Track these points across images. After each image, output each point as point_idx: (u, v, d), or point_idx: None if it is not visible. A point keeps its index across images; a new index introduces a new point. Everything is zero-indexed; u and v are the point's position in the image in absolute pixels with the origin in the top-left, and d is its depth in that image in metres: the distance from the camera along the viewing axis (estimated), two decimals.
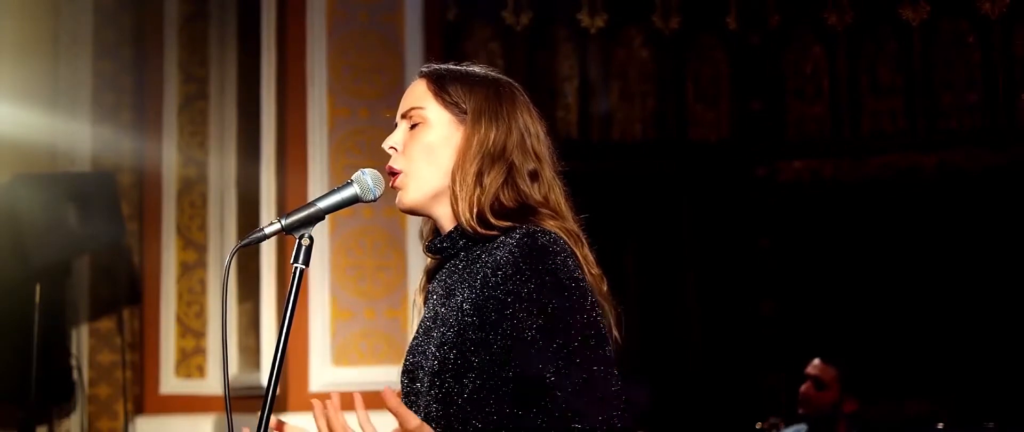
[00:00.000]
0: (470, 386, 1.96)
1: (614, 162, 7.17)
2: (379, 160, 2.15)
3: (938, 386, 6.68)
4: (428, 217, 2.15)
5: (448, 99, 2.09)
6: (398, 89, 5.93)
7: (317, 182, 5.87)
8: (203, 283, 6.63)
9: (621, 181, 7.13)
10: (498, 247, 2.00)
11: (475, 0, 7.14)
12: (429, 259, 2.18)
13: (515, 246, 1.97)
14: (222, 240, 6.61)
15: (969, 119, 6.99)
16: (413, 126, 2.10)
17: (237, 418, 2.02)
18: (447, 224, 2.10)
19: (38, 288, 5.58)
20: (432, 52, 6.00)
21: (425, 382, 2.00)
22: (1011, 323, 6.64)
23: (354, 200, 2.04)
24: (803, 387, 5.06)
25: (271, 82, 6.13)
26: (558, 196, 2.10)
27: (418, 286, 2.20)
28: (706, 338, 7.18)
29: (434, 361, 2.00)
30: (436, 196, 2.09)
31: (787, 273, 7.15)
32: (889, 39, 7.16)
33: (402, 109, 2.13)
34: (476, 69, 2.17)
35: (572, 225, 2.07)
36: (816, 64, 7.29)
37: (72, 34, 6.50)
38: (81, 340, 6.45)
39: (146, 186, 6.63)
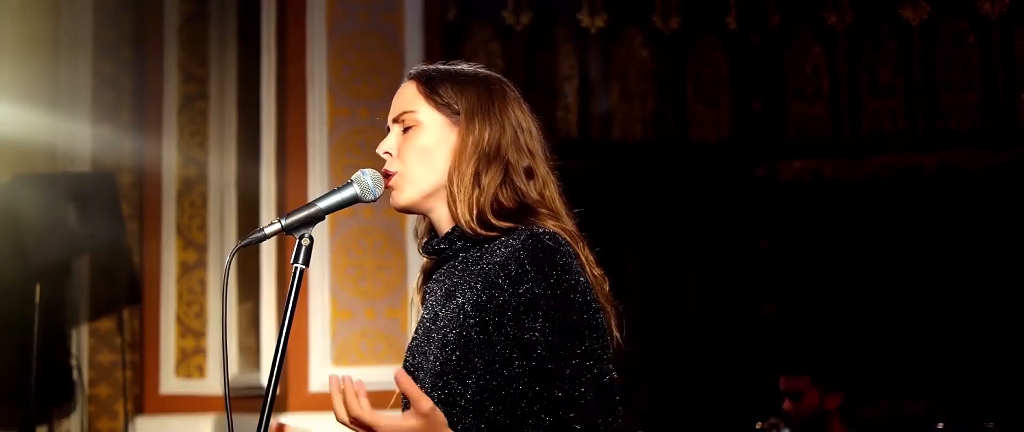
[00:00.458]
0: (473, 387, 1.96)
1: (614, 162, 7.17)
2: (379, 160, 2.14)
3: (937, 386, 6.68)
4: (423, 216, 2.15)
5: (440, 101, 2.09)
6: (398, 89, 5.92)
7: (317, 182, 5.87)
8: (203, 283, 6.63)
9: (621, 181, 7.12)
10: (499, 248, 2.00)
11: (475, 0, 7.14)
12: (425, 259, 2.18)
13: (520, 248, 1.96)
14: (222, 240, 6.61)
15: (969, 119, 6.99)
16: (406, 129, 2.10)
17: (237, 418, 2.02)
18: (444, 224, 2.10)
19: (38, 288, 5.58)
20: (432, 52, 6.00)
21: (427, 383, 2.00)
22: (1011, 323, 6.64)
23: (354, 200, 2.04)
24: (784, 405, 5.06)
25: (271, 82, 6.14)
26: (553, 192, 2.10)
27: (416, 286, 2.20)
28: (706, 338, 7.18)
29: (436, 362, 2.00)
30: (431, 195, 2.08)
31: (787, 273, 7.15)
32: (889, 39, 7.16)
33: (393, 113, 2.13)
34: (465, 67, 2.16)
35: (570, 225, 2.07)
36: (816, 64, 7.29)
37: (72, 34, 6.50)
38: (81, 340, 6.45)
39: (146, 186, 6.63)
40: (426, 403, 1.85)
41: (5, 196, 5.65)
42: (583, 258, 2.02)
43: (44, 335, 5.63)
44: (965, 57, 7.02)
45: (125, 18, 6.68)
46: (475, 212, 2.03)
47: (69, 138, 6.38)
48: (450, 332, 1.99)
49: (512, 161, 2.07)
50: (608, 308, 2.03)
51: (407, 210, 2.12)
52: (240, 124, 6.62)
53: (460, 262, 2.08)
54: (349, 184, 2.04)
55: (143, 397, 6.59)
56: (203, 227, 6.65)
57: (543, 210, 2.05)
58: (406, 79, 2.16)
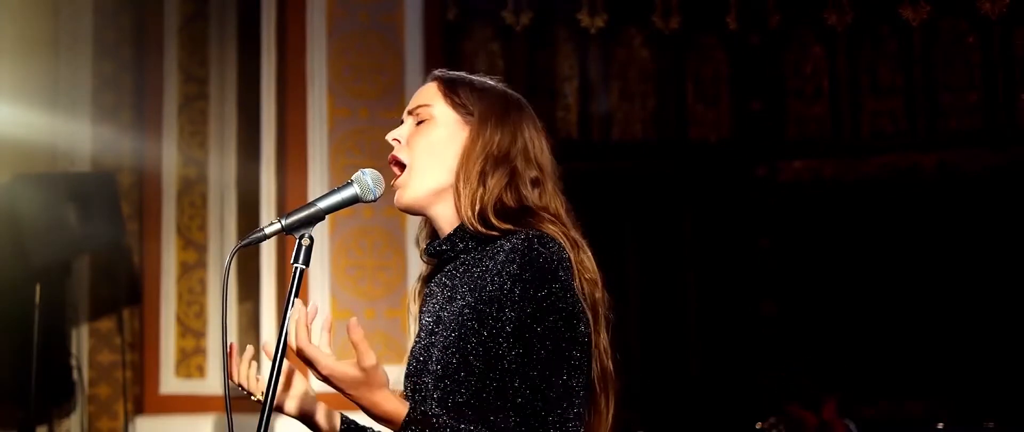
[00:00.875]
0: (472, 389, 1.96)
1: (614, 162, 7.17)
2: (379, 160, 2.15)
3: (937, 386, 6.68)
4: (426, 218, 2.16)
5: (457, 100, 2.11)
6: (398, 89, 5.93)
7: (317, 182, 5.87)
8: (203, 283, 6.62)
9: (621, 181, 7.12)
10: (498, 251, 2.01)
11: (475, 0, 7.14)
12: (425, 265, 2.19)
13: (512, 250, 1.97)
14: (222, 240, 6.61)
15: (969, 119, 6.99)
16: (419, 123, 2.11)
17: (237, 418, 2.02)
18: (446, 226, 2.10)
19: (38, 288, 5.58)
20: (432, 52, 6.00)
21: (429, 384, 2.01)
22: (1011, 323, 6.64)
23: (354, 200, 2.04)
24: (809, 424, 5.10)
25: (271, 82, 6.14)
26: (558, 206, 2.11)
27: (412, 291, 2.21)
28: (706, 338, 7.18)
29: (437, 365, 2.00)
30: (437, 194, 2.09)
31: (787, 273, 7.15)
32: (889, 39, 7.16)
33: (410, 106, 2.15)
34: (488, 80, 2.19)
35: (570, 230, 2.07)
36: (816, 64, 7.28)
37: (72, 34, 6.50)
38: (81, 340, 6.45)
39: (146, 186, 6.63)
40: (369, 359, 1.87)
41: (5, 196, 5.65)
42: (576, 262, 2.02)
43: (44, 335, 5.62)
44: (965, 57, 7.01)
45: (125, 18, 6.68)
46: (477, 209, 2.04)
47: (69, 138, 6.38)
48: (451, 334, 2.00)
49: (519, 169, 2.08)
50: (593, 317, 2.02)
51: (410, 208, 2.13)
52: (240, 124, 6.62)
53: (461, 264, 2.08)
54: (349, 184, 2.05)
55: (143, 397, 6.59)
56: (203, 227, 6.65)
57: (545, 214, 2.06)
58: (429, 78, 2.18)
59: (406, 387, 2.10)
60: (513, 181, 2.07)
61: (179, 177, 6.65)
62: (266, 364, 2.02)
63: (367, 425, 2.17)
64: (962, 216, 6.86)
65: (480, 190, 2.05)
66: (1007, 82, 6.93)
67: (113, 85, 6.60)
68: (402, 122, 2.17)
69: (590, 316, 2.01)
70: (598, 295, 2.04)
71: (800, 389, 5.72)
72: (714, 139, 7.35)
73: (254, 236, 2.00)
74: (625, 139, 7.30)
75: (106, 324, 6.53)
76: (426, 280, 2.18)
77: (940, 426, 5.82)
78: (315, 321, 1.89)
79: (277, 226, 1.99)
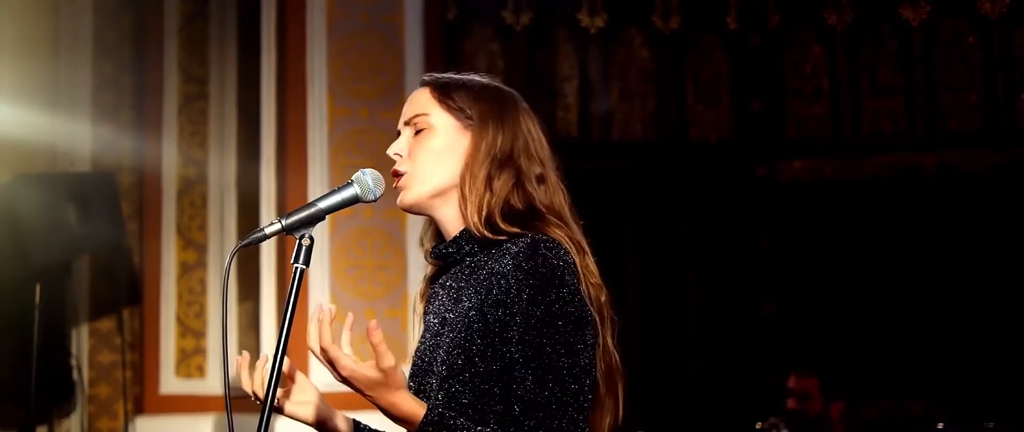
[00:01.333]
0: (476, 391, 1.96)
1: (614, 162, 7.16)
2: (379, 160, 2.15)
3: (937, 386, 6.68)
4: (430, 218, 2.15)
5: (453, 105, 2.10)
6: (398, 89, 5.93)
7: (317, 182, 5.87)
8: (203, 283, 6.62)
9: (621, 181, 7.12)
10: (503, 254, 2.01)
11: (475, 0, 7.13)
12: (429, 265, 2.19)
13: (517, 254, 1.98)
14: (222, 240, 6.61)
15: (969, 119, 6.99)
16: (418, 132, 2.10)
17: (237, 418, 2.02)
18: (451, 228, 2.10)
19: (38, 288, 5.58)
20: (432, 52, 6.00)
21: (433, 385, 2.01)
22: (1011, 323, 6.64)
23: (354, 200, 2.04)
24: (789, 403, 5.09)
25: (271, 82, 6.14)
26: (562, 201, 2.11)
27: (418, 292, 2.21)
28: (706, 338, 7.18)
29: (442, 366, 2.01)
30: (439, 195, 2.09)
31: (787, 273, 7.15)
32: (889, 39, 7.16)
33: (405, 116, 2.13)
34: (477, 77, 2.18)
35: (576, 234, 2.07)
36: (816, 64, 7.29)
37: (72, 34, 6.50)
38: (81, 340, 6.45)
39: (146, 186, 6.62)
40: (388, 360, 1.86)
41: (5, 196, 5.65)
42: (582, 268, 2.02)
43: (44, 335, 5.62)
44: (965, 57, 7.01)
45: (125, 18, 6.68)
46: (484, 214, 2.03)
47: (69, 138, 6.38)
48: (457, 336, 2.00)
49: (523, 167, 2.08)
50: (600, 320, 2.03)
51: (413, 209, 2.12)
52: (240, 124, 6.62)
53: (467, 266, 2.08)
54: (349, 184, 2.04)
55: (143, 397, 6.59)
56: (203, 227, 6.65)
57: (551, 216, 2.06)
58: (420, 85, 2.16)
59: (410, 388, 2.09)
60: (519, 181, 2.07)
61: (179, 177, 6.65)
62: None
63: (379, 429, 2.18)
64: (962, 216, 6.86)
65: (487, 195, 2.05)
66: (1007, 82, 6.93)
67: (113, 85, 6.60)
68: (401, 130, 2.16)
69: (597, 319, 2.02)
70: (603, 299, 2.05)
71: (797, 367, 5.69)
72: (714, 139, 7.35)
73: (254, 236, 1.99)
74: (625, 139, 7.30)
75: (106, 324, 6.53)
76: (431, 281, 2.18)
77: (940, 426, 5.82)
78: (325, 318, 1.89)
79: (277, 226, 1.99)
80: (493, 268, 2.01)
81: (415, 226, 2.14)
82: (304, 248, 1.98)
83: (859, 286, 6.99)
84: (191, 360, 6.61)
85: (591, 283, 2.03)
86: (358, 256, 5.90)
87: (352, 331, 1.93)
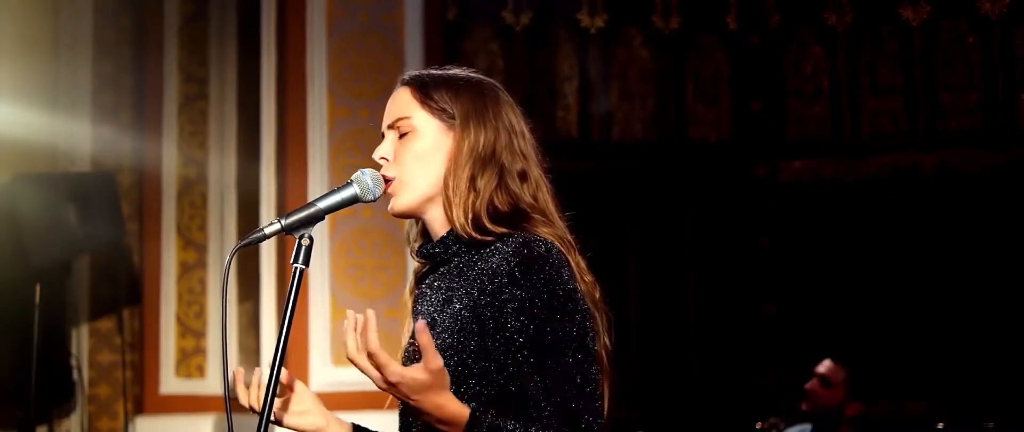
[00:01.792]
0: (471, 392, 1.96)
1: (614, 162, 7.16)
2: (377, 163, 2.15)
3: (938, 386, 6.68)
4: (416, 219, 2.16)
5: (434, 106, 2.09)
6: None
7: (317, 182, 5.87)
8: (203, 283, 6.62)
9: (621, 181, 7.12)
10: (493, 254, 2.01)
11: (475, 0, 7.13)
12: (417, 263, 2.19)
13: (511, 255, 1.98)
14: (222, 240, 6.61)
15: (969, 119, 6.99)
16: (402, 135, 2.10)
17: (237, 418, 2.02)
18: (438, 228, 2.10)
19: (38, 288, 5.58)
20: (432, 52, 6.00)
21: None
22: (1011, 323, 6.64)
23: (354, 200, 2.04)
24: (809, 384, 5.11)
25: (271, 82, 6.13)
26: (546, 195, 2.11)
27: (408, 289, 2.21)
28: (706, 338, 7.18)
29: None
30: (428, 200, 2.09)
31: (787, 273, 7.15)
32: (889, 39, 7.16)
33: (388, 120, 2.13)
34: (457, 71, 2.17)
35: (562, 230, 2.07)
36: (816, 64, 7.28)
37: (72, 34, 6.50)
38: (81, 340, 6.45)
39: (146, 186, 6.62)
40: (437, 361, 1.84)
41: (5, 196, 5.65)
42: (574, 265, 2.02)
43: (44, 335, 5.62)
44: (965, 57, 7.01)
45: (125, 18, 6.67)
46: (471, 216, 2.03)
47: (69, 138, 6.38)
48: (449, 338, 2.00)
49: (507, 164, 2.08)
50: (598, 314, 2.03)
51: (404, 215, 2.13)
52: (240, 124, 6.62)
53: (455, 266, 2.08)
54: (349, 184, 2.04)
55: (143, 397, 6.59)
56: (203, 227, 6.65)
57: (537, 215, 2.06)
58: (399, 85, 2.16)
59: None
60: (503, 180, 2.07)
61: (179, 177, 6.65)
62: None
63: (377, 431, 2.17)
64: (962, 216, 6.86)
65: (471, 196, 2.04)
66: (1007, 82, 6.93)
67: (113, 85, 6.60)
68: (384, 133, 2.15)
69: (595, 314, 2.02)
70: (597, 295, 2.05)
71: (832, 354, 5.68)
72: (714, 139, 7.35)
73: (254, 236, 2.00)
74: (625, 139, 7.30)
75: (106, 324, 6.53)
76: (419, 279, 2.18)
77: (940, 426, 5.82)
78: (370, 323, 1.86)
79: (277, 226, 1.99)
80: (483, 267, 2.01)
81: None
82: (304, 248, 1.98)
83: (859, 286, 6.99)
84: (191, 360, 6.61)
85: (585, 280, 2.03)
86: (358, 256, 5.90)
87: (357, 331, 1.90)
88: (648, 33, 7.34)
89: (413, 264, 2.21)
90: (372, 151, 2.13)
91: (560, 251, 2.00)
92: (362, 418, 2.21)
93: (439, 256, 2.10)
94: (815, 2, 7.27)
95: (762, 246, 7.23)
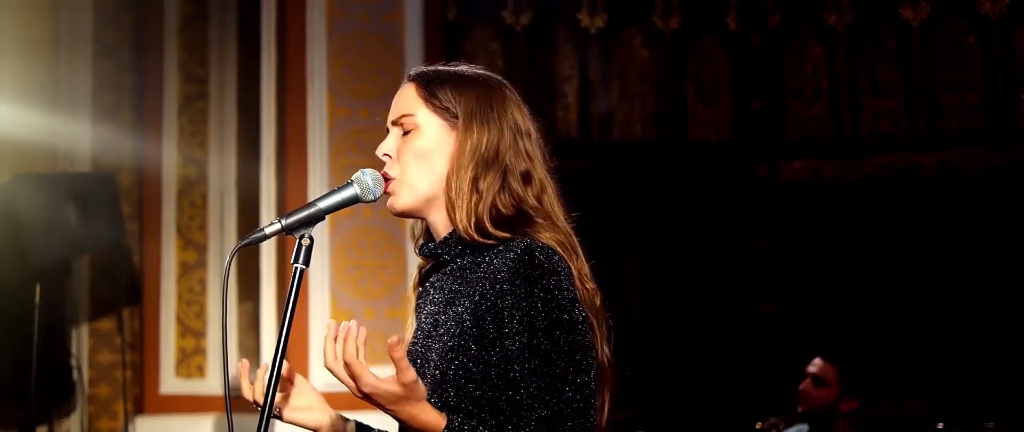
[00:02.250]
0: (470, 396, 1.96)
1: (614, 162, 7.16)
2: (379, 161, 2.14)
3: (938, 386, 6.68)
4: (421, 219, 2.15)
5: (438, 104, 2.08)
6: (398, 89, 5.92)
7: (317, 182, 5.87)
8: (203, 283, 6.62)
9: (621, 181, 7.12)
10: (495, 258, 2.00)
11: (475, 0, 7.13)
12: (421, 261, 2.18)
13: (513, 261, 1.97)
14: (222, 240, 6.61)
15: (969, 119, 6.99)
16: (405, 133, 2.09)
17: (237, 418, 2.02)
18: (441, 228, 2.09)
19: (38, 288, 5.58)
20: (432, 52, 6.00)
21: (427, 389, 2.01)
22: (1011, 323, 6.64)
23: (354, 200, 2.04)
24: (803, 384, 5.11)
25: (271, 82, 6.13)
26: (551, 196, 2.09)
27: (412, 284, 2.20)
28: (706, 338, 7.18)
29: (436, 370, 2.00)
30: (429, 200, 2.08)
31: (787, 273, 7.14)
32: (889, 39, 7.15)
33: (392, 116, 2.12)
34: (464, 69, 2.15)
35: (566, 234, 2.06)
36: (816, 64, 7.28)
37: (72, 34, 6.50)
38: (81, 340, 6.45)
39: (146, 186, 6.62)
40: (409, 374, 1.87)
41: (5, 196, 5.65)
42: (576, 272, 2.01)
43: (44, 335, 5.62)
44: (965, 57, 7.01)
45: (125, 18, 6.68)
46: (474, 220, 2.02)
47: (69, 138, 6.38)
48: (450, 340, 1.99)
49: (510, 165, 2.06)
50: (597, 323, 2.02)
51: (405, 215, 2.12)
52: (240, 124, 6.62)
53: (458, 267, 2.07)
54: (349, 184, 2.04)
55: (143, 397, 6.59)
56: (203, 227, 6.65)
57: (540, 219, 2.05)
58: (406, 81, 2.15)
59: None
60: (506, 182, 2.05)
61: (179, 177, 6.65)
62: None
63: (381, 429, 2.17)
64: (962, 216, 6.86)
65: (474, 198, 2.03)
66: (1007, 82, 6.93)
67: (113, 85, 6.60)
68: (389, 128, 2.15)
69: (594, 322, 2.01)
70: (598, 302, 2.04)
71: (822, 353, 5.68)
72: (714, 139, 7.35)
73: (254, 236, 1.99)
74: (625, 139, 7.30)
75: (106, 324, 6.53)
76: (423, 278, 2.18)
77: (940, 426, 5.82)
78: (350, 333, 1.88)
79: (277, 226, 1.99)
80: (486, 272, 2.00)
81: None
82: (304, 248, 1.98)
83: (859, 286, 6.99)
84: (191, 360, 6.61)
85: (586, 287, 2.02)
86: (358, 256, 5.90)
87: (336, 340, 1.90)
88: (648, 33, 7.34)
89: (417, 261, 2.20)
90: (372, 150, 2.13)
91: (562, 258, 1.99)
92: (364, 417, 2.21)
93: (442, 256, 2.09)
94: (815, 2, 7.27)
95: (762, 246, 7.22)
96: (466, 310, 1.99)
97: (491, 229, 2.02)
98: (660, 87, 7.34)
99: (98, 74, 6.56)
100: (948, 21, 7.06)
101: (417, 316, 2.15)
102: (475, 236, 2.02)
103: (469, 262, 2.05)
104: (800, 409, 5.20)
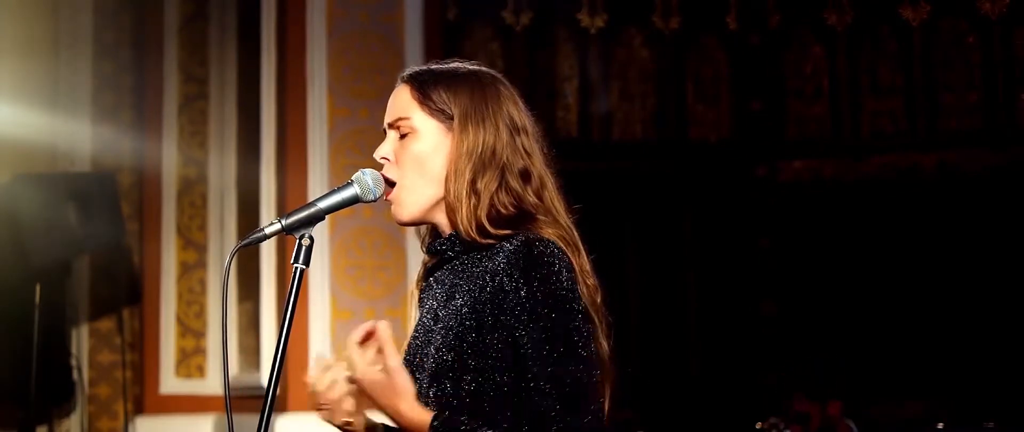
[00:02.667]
0: (466, 389, 1.97)
1: (614, 162, 7.17)
2: (378, 162, 2.14)
3: (937, 386, 6.68)
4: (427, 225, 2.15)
5: (433, 107, 2.08)
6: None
7: (317, 182, 5.86)
8: (203, 283, 6.62)
9: (621, 181, 7.12)
10: (497, 253, 2.01)
11: (475, 0, 7.14)
12: (427, 257, 2.19)
13: (513, 254, 1.97)
14: (222, 240, 6.61)
15: (969, 119, 6.99)
16: (402, 136, 2.09)
17: (237, 418, 2.02)
18: (445, 227, 2.10)
19: (38, 288, 5.58)
20: (432, 52, 6.00)
21: (424, 382, 2.01)
22: (1010, 323, 6.64)
23: (354, 200, 2.04)
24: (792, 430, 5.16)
25: (271, 82, 6.13)
26: (552, 192, 2.09)
27: (416, 279, 2.21)
28: (706, 338, 7.18)
29: (433, 362, 2.00)
30: (433, 207, 2.08)
31: (787, 273, 7.15)
32: (889, 39, 7.16)
33: (388, 119, 2.12)
34: (458, 66, 2.15)
35: (568, 229, 2.06)
36: (816, 64, 7.29)
37: (72, 34, 6.50)
38: (81, 340, 6.45)
39: (146, 186, 6.63)
40: (393, 360, 1.91)
41: (5, 196, 5.65)
42: (578, 267, 2.01)
43: (44, 335, 5.63)
44: (965, 57, 7.02)
45: (125, 18, 6.68)
46: (474, 223, 2.02)
47: (69, 138, 6.38)
48: (449, 334, 2.00)
49: (508, 164, 2.06)
50: (597, 319, 2.02)
51: (409, 224, 2.12)
52: (240, 124, 6.62)
53: (461, 263, 2.08)
54: (349, 184, 2.04)
55: (143, 397, 6.59)
56: (203, 227, 6.65)
57: (541, 216, 2.05)
58: (399, 82, 2.14)
59: None
60: (504, 181, 2.05)
61: (179, 177, 6.65)
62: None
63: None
64: (962, 216, 6.86)
65: (473, 200, 2.03)
66: (1007, 82, 6.94)
67: (113, 85, 6.60)
68: (386, 130, 2.15)
69: (595, 318, 2.02)
70: (599, 299, 2.04)
71: (801, 388, 5.72)
72: (714, 139, 7.35)
73: (254, 236, 1.99)
74: (625, 139, 7.30)
75: (106, 324, 6.53)
76: (427, 273, 2.18)
77: (940, 426, 5.83)
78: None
79: (277, 226, 1.99)
80: (486, 266, 2.01)
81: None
82: (304, 248, 1.98)
83: (859, 286, 6.99)
84: (191, 360, 6.61)
85: (586, 283, 2.03)
86: (358, 256, 5.90)
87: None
88: (648, 33, 7.34)
89: (419, 262, 2.21)
90: (372, 151, 2.13)
91: (562, 252, 1.99)
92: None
93: (445, 253, 2.10)
94: (815, 2, 7.27)
95: (762, 246, 7.23)
96: (465, 304, 2.00)
97: (492, 229, 2.02)
98: (660, 87, 7.34)
99: (98, 74, 6.56)
100: (948, 21, 7.06)
101: (419, 311, 2.15)
102: (476, 237, 2.02)
103: (471, 258, 2.06)
104: None
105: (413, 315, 2.18)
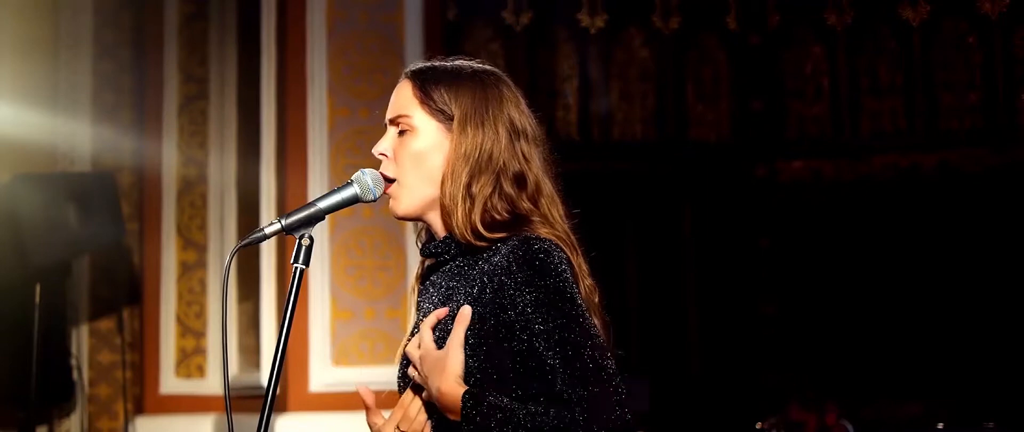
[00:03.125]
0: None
1: (614, 162, 7.17)
2: (378, 160, 2.14)
3: (937, 386, 6.68)
4: (423, 222, 2.15)
5: (434, 106, 2.08)
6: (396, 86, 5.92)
7: (317, 182, 5.86)
8: (203, 283, 6.63)
9: (621, 181, 7.12)
10: (494, 254, 2.01)
11: (475, 0, 7.14)
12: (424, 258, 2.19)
13: (511, 252, 1.97)
14: (222, 240, 6.61)
15: (969, 119, 6.99)
16: (402, 132, 2.09)
17: (237, 418, 2.02)
18: (440, 228, 2.10)
19: (38, 288, 5.58)
20: (432, 52, 5.95)
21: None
22: (1011, 323, 6.64)
23: (354, 200, 2.04)
24: None
25: (271, 82, 6.13)
26: (548, 198, 2.09)
27: (413, 279, 2.21)
28: (706, 338, 7.18)
29: None
30: (429, 203, 2.08)
31: (787, 273, 7.15)
32: (889, 39, 7.16)
33: (390, 115, 2.12)
34: (462, 64, 2.14)
35: (565, 233, 2.06)
36: (816, 64, 7.29)
37: (72, 34, 6.50)
38: (81, 340, 6.45)
39: (146, 186, 6.63)
40: (454, 339, 1.97)
41: (5, 196, 5.65)
42: (576, 267, 2.02)
43: (44, 335, 5.62)
44: (965, 57, 7.02)
45: (125, 18, 6.68)
46: (469, 226, 2.02)
47: (69, 138, 6.38)
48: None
49: (504, 168, 2.05)
50: (596, 319, 2.02)
51: (405, 219, 2.12)
52: (240, 124, 6.62)
53: (457, 265, 2.08)
54: (349, 184, 2.04)
55: (143, 397, 6.59)
56: (203, 227, 6.65)
57: (536, 218, 2.05)
58: (403, 77, 2.14)
59: (400, 386, 2.09)
60: (499, 185, 2.04)
61: (179, 177, 6.65)
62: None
63: None
64: (962, 216, 6.86)
65: (467, 203, 2.03)
66: (1007, 82, 6.94)
67: (113, 85, 6.60)
68: (387, 125, 2.15)
69: (594, 318, 2.01)
70: (596, 299, 2.04)
71: (801, 389, 5.72)
72: (714, 139, 7.35)
73: (254, 236, 2.00)
74: (625, 139, 7.30)
75: (106, 324, 6.54)
76: (423, 276, 2.18)
77: (940, 426, 5.83)
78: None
79: (277, 226, 1.99)
80: (483, 267, 2.01)
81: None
82: (304, 248, 1.99)
83: (859, 286, 6.99)
84: (191, 360, 6.61)
85: (584, 282, 2.03)
86: (358, 256, 5.90)
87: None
88: (648, 33, 7.34)
89: (417, 261, 2.21)
90: (372, 151, 2.13)
91: (560, 249, 2.00)
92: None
93: (441, 255, 2.10)
94: (815, 2, 7.27)
95: (762, 246, 7.23)
96: (462, 305, 1.99)
97: (486, 233, 2.02)
98: (660, 87, 7.34)
99: (98, 74, 6.56)
100: (948, 21, 7.06)
101: (417, 313, 2.15)
102: (471, 240, 2.02)
103: (467, 261, 2.06)
104: None
105: (411, 318, 2.18)
